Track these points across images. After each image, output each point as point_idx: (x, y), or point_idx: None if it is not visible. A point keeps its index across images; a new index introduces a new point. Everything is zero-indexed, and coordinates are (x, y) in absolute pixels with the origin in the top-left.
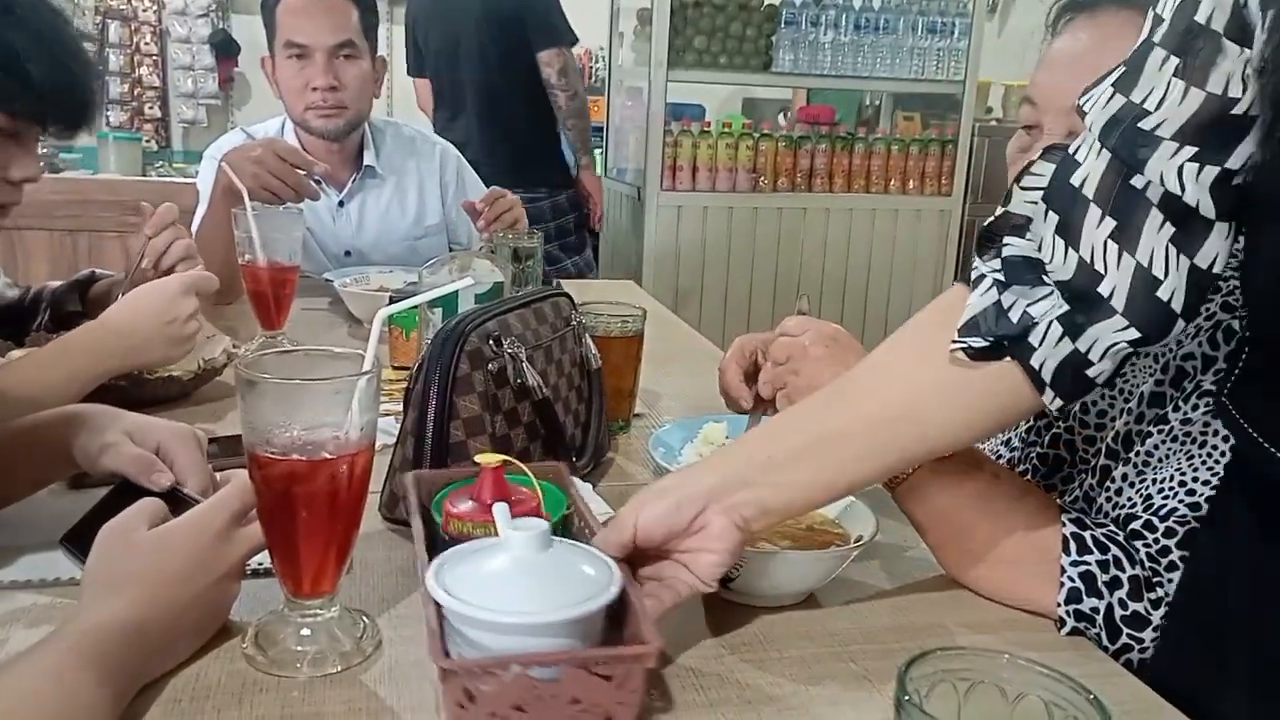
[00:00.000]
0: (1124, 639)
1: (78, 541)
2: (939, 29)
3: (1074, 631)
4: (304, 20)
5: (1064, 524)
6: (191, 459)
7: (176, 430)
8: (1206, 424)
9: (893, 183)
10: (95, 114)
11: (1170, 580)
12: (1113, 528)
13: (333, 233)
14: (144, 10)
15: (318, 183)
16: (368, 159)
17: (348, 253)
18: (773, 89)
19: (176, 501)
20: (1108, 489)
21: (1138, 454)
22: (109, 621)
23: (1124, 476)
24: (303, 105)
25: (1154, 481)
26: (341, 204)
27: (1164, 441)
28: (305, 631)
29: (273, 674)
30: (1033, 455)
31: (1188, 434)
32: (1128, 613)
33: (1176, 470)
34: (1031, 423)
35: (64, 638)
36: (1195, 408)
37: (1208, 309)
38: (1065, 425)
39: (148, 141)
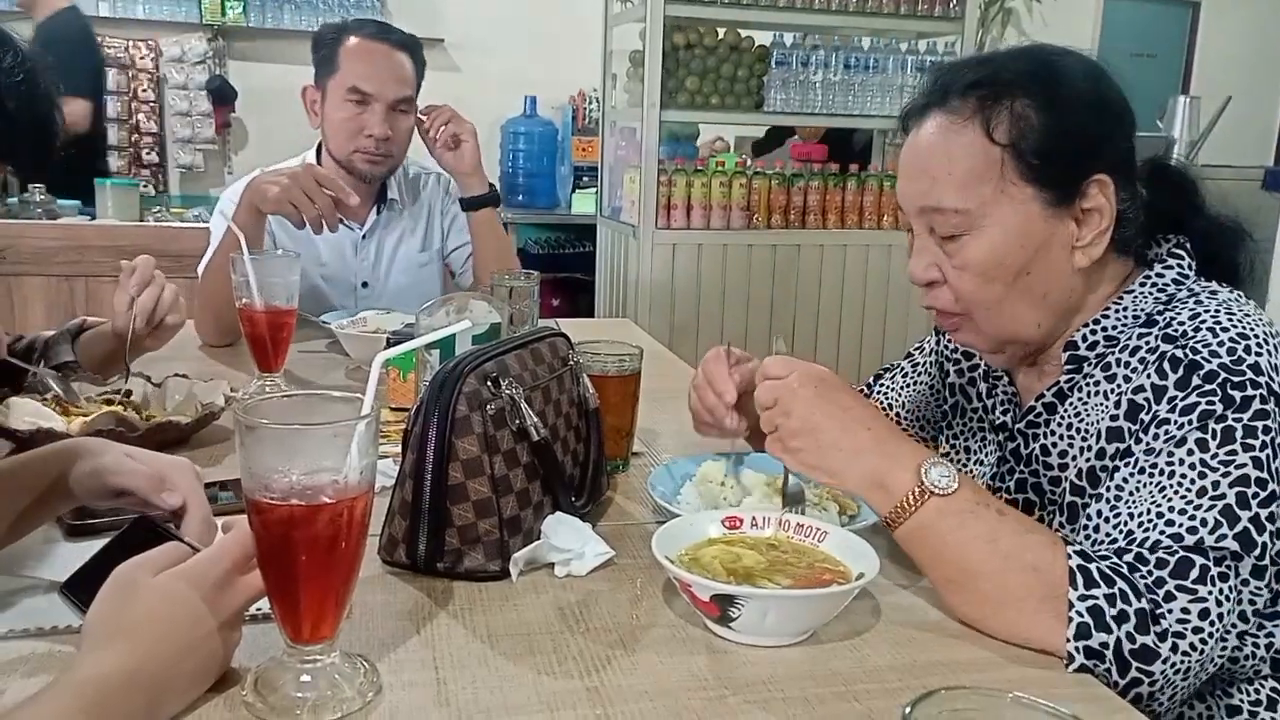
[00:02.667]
0: (1133, 673)
1: (78, 590)
2: (927, 67)
3: (1081, 668)
4: (370, 68)
5: (1070, 557)
6: (191, 487)
7: (175, 461)
8: (1171, 453)
9: (885, 218)
10: (56, 153)
11: (1171, 612)
12: (1115, 559)
13: (352, 266)
14: (141, 58)
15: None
16: (392, 193)
17: (364, 284)
18: (766, 128)
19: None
20: (1086, 527)
21: (1108, 489)
22: (109, 671)
23: (1099, 513)
24: (352, 147)
25: (1131, 515)
26: (365, 237)
27: (1132, 474)
28: (305, 678)
29: None
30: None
31: (1154, 465)
32: (1136, 646)
33: (1151, 503)
34: (995, 469)
35: (64, 688)
36: (1156, 437)
37: (1148, 342)
38: (1029, 469)
39: (145, 187)
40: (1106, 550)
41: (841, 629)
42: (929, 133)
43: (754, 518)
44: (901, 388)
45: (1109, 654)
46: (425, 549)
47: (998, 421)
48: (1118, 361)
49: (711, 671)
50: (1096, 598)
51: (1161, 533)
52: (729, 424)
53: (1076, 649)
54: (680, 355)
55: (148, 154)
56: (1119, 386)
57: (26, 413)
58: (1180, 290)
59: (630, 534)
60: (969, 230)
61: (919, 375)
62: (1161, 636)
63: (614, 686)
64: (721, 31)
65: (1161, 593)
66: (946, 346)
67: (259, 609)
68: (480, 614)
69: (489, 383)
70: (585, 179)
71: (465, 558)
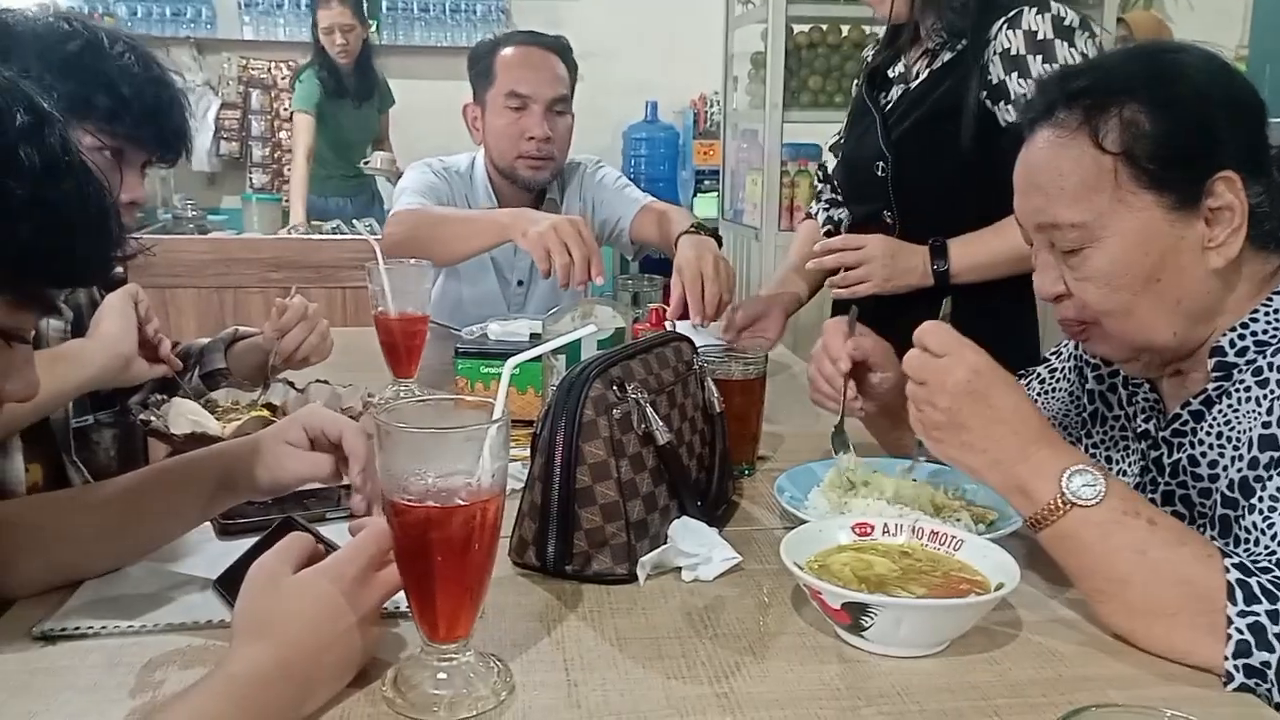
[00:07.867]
0: None
1: (229, 585)
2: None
3: (1241, 688)
4: (526, 72)
5: (1227, 570)
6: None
7: (350, 425)
8: None
9: None
10: (188, 138)
11: None
12: (1278, 572)
13: (513, 264)
14: (283, 78)
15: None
16: (551, 193)
17: (520, 282)
18: None
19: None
20: (1245, 541)
21: (1262, 500)
22: (257, 666)
23: (1254, 525)
24: (515, 154)
25: None
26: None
27: None
28: (442, 675)
29: (411, 717)
30: None
31: None
32: None
33: None
34: (1139, 479)
35: (218, 681)
36: None
37: None
38: (1177, 480)
39: (287, 202)
40: (1266, 563)
41: (980, 641)
42: (1038, 148)
43: (886, 525)
44: (1039, 394)
45: (1271, 673)
46: (554, 551)
47: (1140, 429)
48: (1269, 366)
49: (843, 681)
50: (1258, 614)
51: None
52: (844, 394)
53: (1236, 667)
54: (804, 358)
55: (289, 170)
56: (1272, 392)
57: (186, 413)
58: None
59: (757, 539)
60: (1089, 243)
61: (1057, 381)
62: None
63: (744, 693)
64: (845, 29)
65: None
66: (1085, 350)
67: (395, 605)
68: (609, 616)
69: (615, 387)
70: (706, 182)
71: (593, 560)
